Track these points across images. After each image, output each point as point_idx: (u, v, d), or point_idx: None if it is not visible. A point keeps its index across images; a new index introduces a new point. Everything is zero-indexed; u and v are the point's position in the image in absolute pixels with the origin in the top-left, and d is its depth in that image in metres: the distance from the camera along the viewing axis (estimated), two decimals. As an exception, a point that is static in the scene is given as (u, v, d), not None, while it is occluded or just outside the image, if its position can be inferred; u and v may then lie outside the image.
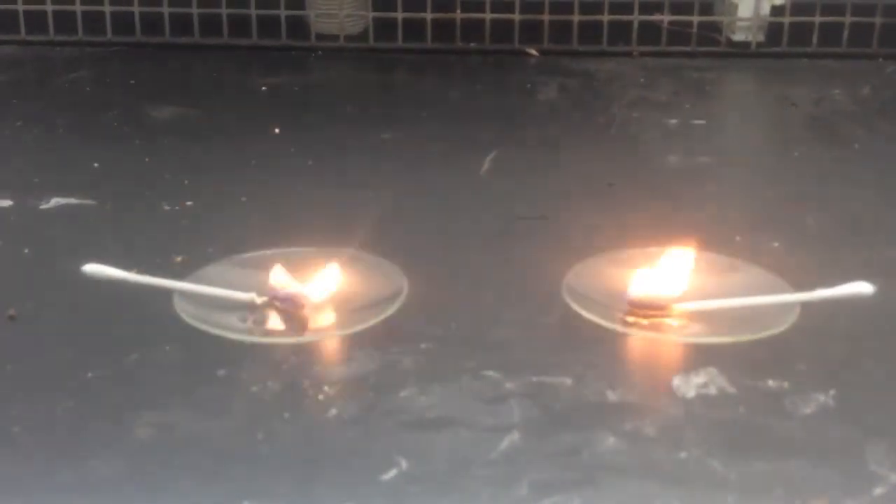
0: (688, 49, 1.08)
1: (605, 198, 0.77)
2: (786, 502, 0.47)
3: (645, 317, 0.59)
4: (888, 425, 0.52)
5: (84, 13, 1.07)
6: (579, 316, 0.60)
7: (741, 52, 1.08)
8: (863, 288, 0.57)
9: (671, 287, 0.60)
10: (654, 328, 0.59)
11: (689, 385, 0.55)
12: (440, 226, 0.73)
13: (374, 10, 1.09)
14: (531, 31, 1.07)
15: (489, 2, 1.06)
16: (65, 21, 1.07)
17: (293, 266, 0.62)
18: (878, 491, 0.48)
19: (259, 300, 0.60)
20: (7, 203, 0.74)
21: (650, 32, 1.07)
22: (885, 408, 0.53)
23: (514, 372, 0.56)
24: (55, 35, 1.08)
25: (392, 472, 0.49)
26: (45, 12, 1.07)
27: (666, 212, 0.75)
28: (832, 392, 0.54)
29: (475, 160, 0.83)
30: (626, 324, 0.59)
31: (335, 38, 1.09)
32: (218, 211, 0.74)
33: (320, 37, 1.09)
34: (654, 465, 0.49)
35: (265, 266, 0.63)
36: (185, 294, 0.61)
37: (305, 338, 0.59)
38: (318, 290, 0.61)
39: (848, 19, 1.06)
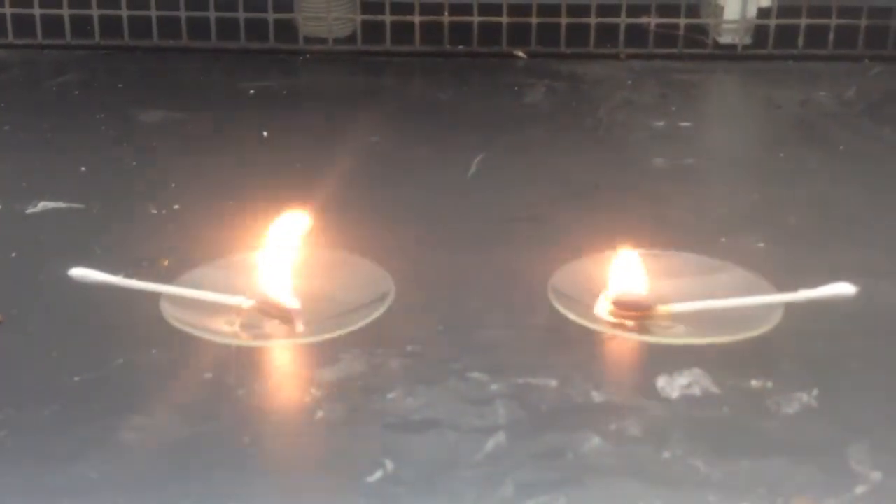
0: (675, 51, 1.08)
1: (591, 199, 0.78)
2: (768, 501, 0.47)
3: (629, 318, 0.60)
4: (870, 424, 0.52)
5: (72, 16, 1.07)
6: (564, 318, 0.60)
7: (728, 54, 1.09)
8: (845, 289, 0.58)
9: (653, 288, 0.60)
10: (639, 329, 0.59)
11: (674, 386, 0.55)
12: (427, 228, 0.73)
13: (363, 13, 1.09)
14: (519, 34, 1.08)
15: (477, 5, 1.07)
16: (52, 24, 1.08)
17: (282, 268, 0.62)
18: (860, 490, 0.48)
19: (246, 304, 0.60)
20: (-6, 207, 0.75)
21: (637, 35, 1.08)
22: (866, 407, 0.54)
23: (500, 373, 0.56)
24: (43, 38, 1.08)
25: (378, 474, 0.49)
26: (32, 15, 1.07)
27: (652, 213, 0.75)
28: (815, 392, 0.54)
29: (463, 162, 0.83)
30: (610, 325, 0.60)
31: (323, 41, 1.09)
32: (206, 214, 0.74)
33: (308, 40, 1.10)
34: (639, 465, 0.50)
35: (253, 270, 0.63)
36: (172, 298, 0.61)
37: (292, 341, 0.60)
38: (290, 288, 0.61)
39: (833, 21, 1.06)
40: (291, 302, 0.60)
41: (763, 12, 1.08)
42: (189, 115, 0.93)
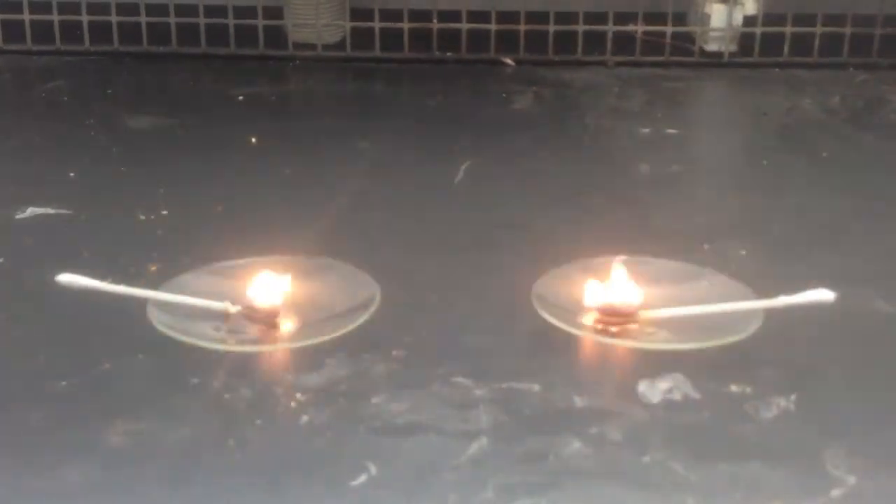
0: (661, 59, 1.09)
1: (576, 206, 0.78)
2: (746, 505, 0.48)
3: (612, 324, 0.60)
4: (846, 429, 0.53)
5: (62, 22, 1.08)
6: (548, 323, 0.61)
7: (714, 62, 1.10)
8: (824, 295, 0.59)
9: (636, 295, 0.61)
10: (621, 335, 0.60)
11: (655, 390, 0.56)
12: (413, 234, 0.73)
13: (352, 19, 1.10)
14: (507, 42, 1.08)
15: (466, 12, 1.07)
16: (42, 30, 1.08)
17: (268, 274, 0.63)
18: (836, 493, 0.49)
19: (233, 309, 0.61)
20: (-17, 212, 0.75)
21: (624, 43, 1.09)
22: (843, 412, 0.55)
23: (484, 378, 0.56)
24: (33, 44, 1.08)
25: (362, 478, 0.50)
26: (22, 21, 1.08)
27: (636, 220, 0.76)
28: (793, 397, 0.55)
29: (450, 169, 0.84)
30: (593, 331, 0.60)
31: (313, 47, 1.10)
32: (193, 220, 0.75)
33: (298, 46, 1.10)
34: (619, 469, 0.50)
35: (240, 275, 0.63)
36: (159, 303, 0.61)
37: (278, 346, 0.60)
38: (278, 297, 0.61)
39: (819, 30, 1.07)
40: (276, 300, 0.60)
41: (749, 20, 1.09)
42: (178, 121, 0.94)
